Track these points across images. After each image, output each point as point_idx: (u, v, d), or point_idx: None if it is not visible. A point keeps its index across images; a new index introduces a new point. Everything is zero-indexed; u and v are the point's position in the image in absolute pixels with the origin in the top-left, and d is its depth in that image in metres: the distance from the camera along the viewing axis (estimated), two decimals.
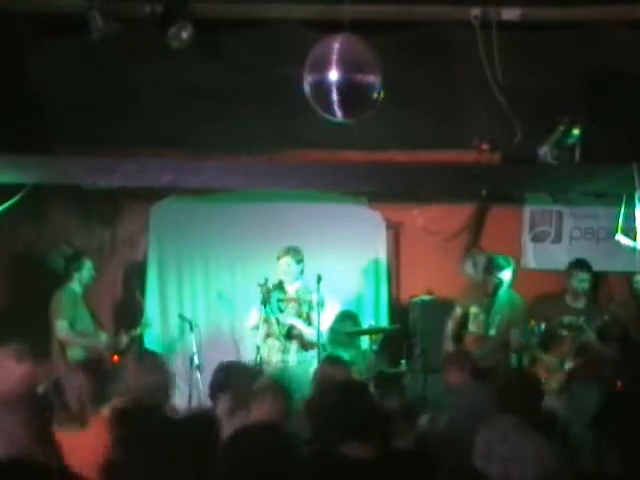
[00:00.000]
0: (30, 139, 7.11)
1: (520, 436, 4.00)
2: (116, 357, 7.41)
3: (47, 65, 7.37)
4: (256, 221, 8.18)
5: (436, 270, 8.29)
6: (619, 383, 6.73)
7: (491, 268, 7.50)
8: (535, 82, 7.28)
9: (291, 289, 7.45)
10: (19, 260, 8.26)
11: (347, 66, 5.75)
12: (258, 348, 7.08)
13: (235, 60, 7.39)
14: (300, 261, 7.41)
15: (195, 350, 7.44)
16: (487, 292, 7.49)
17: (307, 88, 5.92)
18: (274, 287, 7.31)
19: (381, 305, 8.36)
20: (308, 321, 7.37)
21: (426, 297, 8.19)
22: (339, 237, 8.19)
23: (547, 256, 8.35)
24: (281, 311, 7.34)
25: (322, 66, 5.77)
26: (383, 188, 7.85)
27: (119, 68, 7.37)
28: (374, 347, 7.67)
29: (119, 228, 8.45)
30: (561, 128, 7.15)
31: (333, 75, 5.72)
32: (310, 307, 7.39)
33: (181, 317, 7.96)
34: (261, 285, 7.20)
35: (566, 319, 7.10)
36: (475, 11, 7.07)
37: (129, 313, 8.26)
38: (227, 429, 4.08)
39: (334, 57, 5.72)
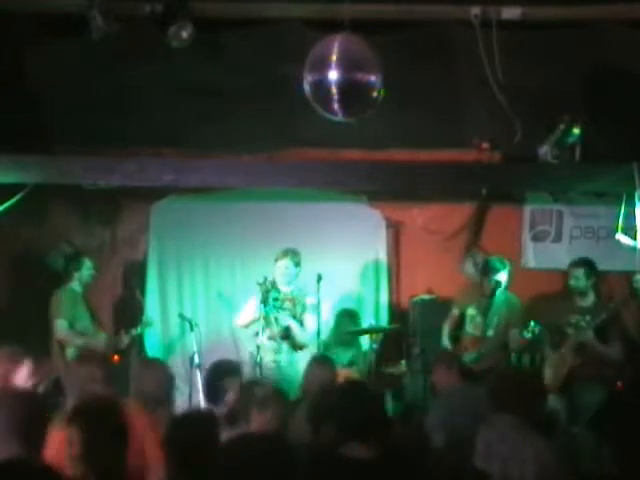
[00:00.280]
0: (30, 139, 7.11)
1: (519, 436, 4.01)
2: (116, 357, 7.41)
3: (47, 65, 7.36)
4: (256, 220, 8.18)
5: (436, 270, 8.29)
6: (619, 383, 6.73)
7: (487, 270, 7.51)
8: (535, 81, 7.28)
9: (286, 290, 7.43)
10: (19, 260, 8.25)
11: (347, 65, 5.75)
12: (258, 348, 7.07)
13: (235, 60, 7.39)
14: (298, 264, 7.40)
15: (195, 349, 7.43)
16: (484, 293, 7.49)
17: (307, 87, 5.92)
18: (271, 286, 7.31)
19: (381, 305, 8.36)
20: (301, 322, 7.37)
21: (426, 297, 8.19)
22: (339, 236, 8.19)
23: (547, 255, 8.35)
24: (280, 310, 7.33)
25: (322, 65, 5.77)
26: (383, 187, 7.85)
27: (119, 68, 7.36)
28: (374, 347, 7.67)
29: (119, 227, 8.45)
30: (561, 127, 7.15)
31: (333, 74, 5.72)
32: (304, 309, 7.39)
33: (181, 317, 7.95)
34: (260, 284, 7.20)
35: (573, 318, 7.09)
36: (475, 10, 7.06)
37: (129, 312, 8.26)
38: (225, 436, 4.09)
39: (334, 56, 5.72)
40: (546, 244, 8.41)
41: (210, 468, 3.58)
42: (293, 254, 7.37)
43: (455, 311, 7.64)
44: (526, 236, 8.43)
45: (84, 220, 8.34)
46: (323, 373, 5.80)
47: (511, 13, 7.09)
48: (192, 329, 7.62)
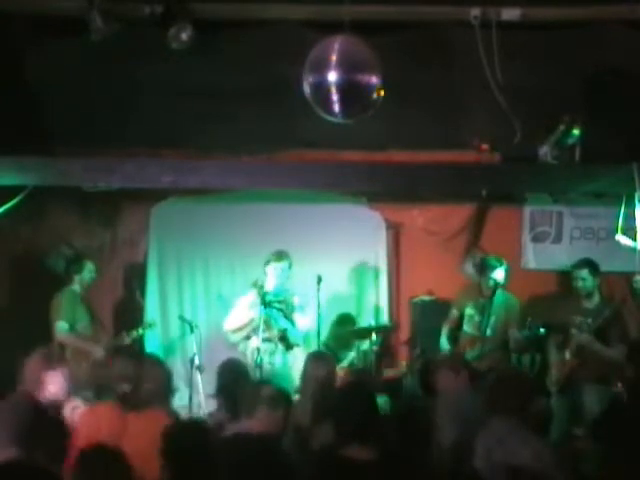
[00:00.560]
0: (30, 140, 7.11)
1: (517, 438, 4.01)
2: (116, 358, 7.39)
3: (47, 66, 7.36)
4: (256, 222, 8.18)
5: (436, 271, 8.30)
6: (620, 384, 6.72)
7: (483, 268, 7.52)
8: (535, 82, 7.27)
9: (277, 291, 7.40)
10: (19, 261, 8.25)
11: (347, 66, 5.74)
12: (258, 350, 7.06)
13: (235, 61, 7.39)
14: (291, 265, 7.39)
15: (195, 351, 7.42)
16: (483, 293, 7.49)
17: (307, 88, 5.91)
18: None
19: (381, 305, 8.36)
20: (292, 322, 7.37)
21: (426, 297, 8.20)
22: (339, 237, 8.19)
23: (547, 256, 8.35)
24: (276, 312, 7.32)
25: (322, 66, 5.76)
26: (383, 188, 7.84)
27: (119, 69, 7.36)
28: (374, 348, 7.67)
29: (119, 229, 8.45)
30: (561, 128, 7.15)
31: (333, 75, 5.71)
32: (293, 308, 7.39)
33: (181, 318, 7.95)
34: (258, 286, 7.19)
35: (577, 319, 7.08)
36: (475, 11, 7.05)
37: (129, 314, 8.27)
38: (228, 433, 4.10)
39: (334, 57, 5.71)
40: (546, 245, 8.41)
41: (205, 474, 3.59)
42: (287, 256, 7.36)
43: (454, 311, 7.65)
44: (526, 237, 8.43)
45: (84, 221, 8.35)
46: (321, 369, 5.80)
47: (511, 14, 7.09)
48: (192, 331, 7.61)
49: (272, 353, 7.26)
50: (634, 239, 7.07)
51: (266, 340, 7.19)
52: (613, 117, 7.24)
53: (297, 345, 7.38)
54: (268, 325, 7.25)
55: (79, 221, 8.35)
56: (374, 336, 7.70)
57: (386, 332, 8.04)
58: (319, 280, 7.33)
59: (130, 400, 4.78)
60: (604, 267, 7.53)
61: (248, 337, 7.27)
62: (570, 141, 7.14)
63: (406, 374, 7.64)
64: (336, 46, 5.76)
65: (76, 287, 7.62)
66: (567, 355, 7.02)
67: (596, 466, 4.35)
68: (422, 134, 7.62)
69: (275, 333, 7.28)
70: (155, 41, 7.01)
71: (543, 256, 8.38)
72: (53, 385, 4.82)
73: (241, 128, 7.54)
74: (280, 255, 7.34)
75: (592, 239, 8.29)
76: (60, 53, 7.36)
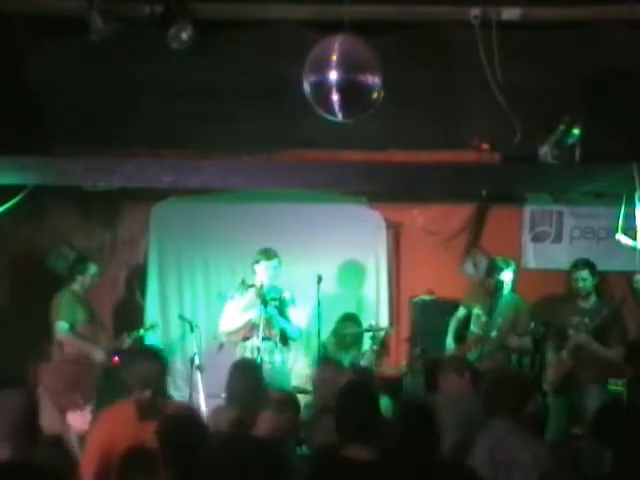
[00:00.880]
0: (30, 140, 7.11)
1: (517, 440, 4.01)
2: (117, 358, 7.39)
3: (47, 66, 7.36)
4: (256, 222, 8.18)
5: (436, 270, 8.30)
6: (619, 384, 6.73)
7: (491, 270, 7.52)
8: (535, 82, 7.27)
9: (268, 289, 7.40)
10: (19, 261, 8.26)
11: (347, 66, 5.74)
12: (258, 349, 7.06)
13: (235, 60, 7.38)
14: (281, 263, 7.36)
15: (195, 351, 7.42)
16: (489, 294, 7.49)
17: (307, 88, 5.91)
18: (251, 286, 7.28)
19: (381, 305, 8.36)
20: (288, 319, 7.36)
21: (426, 297, 8.20)
22: (339, 237, 8.19)
23: (547, 256, 8.36)
24: (274, 310, 7.31)
25: (322, 66, 5.77)
26: (383, 188, 7.84)
27: (119, 69, 7.36)
28: (375, 347, 7.67)
29: (119, 229, 8.46)
30: (561, 128, 7.14)
31: (333, 75, 5.71)
32: (285, 304, 7.37)
33: (181, 318, 7.95)
34: (257, 287, 7.18)
35: (575, 319, 7.09)
36: (475, 11, 7.04)
37: (129, 314, 8.27)
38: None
39: (334, 57, 5.71)
40: (546, 245, 8.41)
41: (201, 471, 3.58)
42: (275, 254, 7.33)
43: (462, 311, 7.65)
44: (526, 237, 8.43)
45: (84, 221, 8.35)
46: (330, 375, 5.79)
47: (511, 14, 7.08)
48: (192, 330, 7.61)
49: (272, 352, 7.26)
50: (634, 239, 7.07)
51: (266, 339, 7.19)
52: (613, 117, 7.24)
53: (294, 340, 7.38)
54: (269, 324, 7.25)
55: (79, 221, 8.35)
56: (374, 336, 7.71)
57: (386, 331, 8.03)
58: (319, 280, 7.33)
59: (150, 407, 4.47)
60: (604, 267, 7.54)
61: (246, 338, 7.25)
62: (570, 141, 7.14)
63: (406, 374, 7.63)
64: (336, 46, 5.76)
65: (76, 287, 7.62)
66: (564, 355, 7.03)
67: (596, 466, 4.35)
68: (422, 134, 7.62)
69: (275, 332, 7.28)
70: (155, 41, 7.00)
71: (543, 256, 8.38)
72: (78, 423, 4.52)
73: (241, 128, 7.54)
74: (269, 253, 7.31)
75: (592, 239, 8.29)
76: (60, 53, 7.35)
